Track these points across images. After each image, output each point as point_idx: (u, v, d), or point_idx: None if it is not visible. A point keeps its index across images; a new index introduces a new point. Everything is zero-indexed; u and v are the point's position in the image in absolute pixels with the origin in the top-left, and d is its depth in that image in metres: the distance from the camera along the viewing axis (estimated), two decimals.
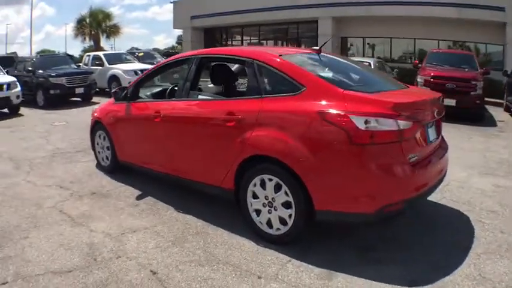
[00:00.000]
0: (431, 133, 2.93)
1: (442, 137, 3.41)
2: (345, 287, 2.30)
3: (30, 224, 3.23)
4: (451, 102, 7.69)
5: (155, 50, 32.21)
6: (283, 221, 2.75)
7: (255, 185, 2.86)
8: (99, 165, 4.83)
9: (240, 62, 3.25)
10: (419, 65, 9.84)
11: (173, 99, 3.75)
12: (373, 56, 15.80)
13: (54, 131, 7.50)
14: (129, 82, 10.30)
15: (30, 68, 11.68)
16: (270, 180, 2.76)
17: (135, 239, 2.98)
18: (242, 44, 20.90)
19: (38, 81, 11.38)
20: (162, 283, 2.36)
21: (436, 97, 3.13)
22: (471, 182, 4.27)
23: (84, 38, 20.97)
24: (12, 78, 10.04)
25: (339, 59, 3.64)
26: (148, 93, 4.49)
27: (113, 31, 21.64)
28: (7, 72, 10.96)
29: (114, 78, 12.61)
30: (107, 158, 4.64)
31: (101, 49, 21.18)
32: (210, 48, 4.47)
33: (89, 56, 14.77)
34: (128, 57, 14.71)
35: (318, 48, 3.32)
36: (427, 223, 3.24)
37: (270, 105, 2.81)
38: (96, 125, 4.73)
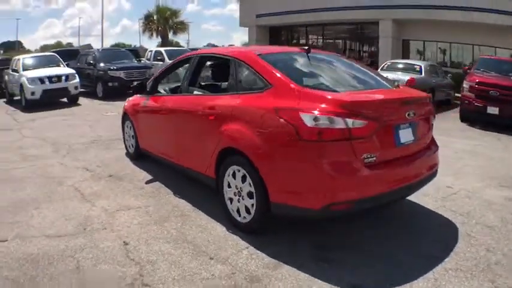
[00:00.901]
0: (405, 135, 2.90)
1: (433, 140, 3.36)
2: (284, 279, 2.45)
3: (45, 197, 3.91)
4: (494, 110, 7.68)
5: (230, 46, 33.85)
6: (248, 210, 3.00)
7: (229, 175, 3.15)
8: (127, 153, 5.48)
9: (226, 61, 3.54)
10: (469, 71, 9.65)
11: (176, 94, 4.20)
12: (424, 60, 15.93)
13: (103, 121, 8.51)
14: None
15: (91, 61, 13.21)
16: (239, 171, 3.02)
17: (126, 216, 3.46)
18: (306, 44, 21.28)
19: (98, 74, 12.84)
20: (127, 252, 2.78)
21: (415, 97, 3.10)
22: (482, 193, 4.03)
23: (152, 34, 22.58)
24: (71, 71, 11.52)
25: (326, 58, 3.70)
26: (166, 88, 5.00)
27: (179, 28, 22.95)
28: (68, 65, 12.55)
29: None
30: (132, 146, 5.28)
31: (169, 45, 22.69)
32: (208, 48, 4.83)
33: (151, 51, 16.25)
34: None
35: (307, 47, 3.45)
36: (406, 230, 3.18)
37: (242, 101, 3.09)
38: (125, 116, 5.38)
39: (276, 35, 22.07)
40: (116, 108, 9.93)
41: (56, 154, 5.70)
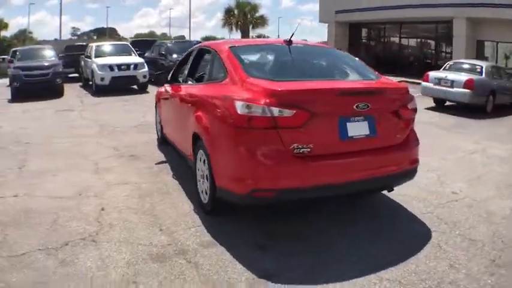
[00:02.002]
0: (356, 128, 2.90)
1: (411, 136, 3.27)
2: (207, 256, 2.72)
3: (66, 168, 4.79)
4: None
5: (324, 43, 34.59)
6: (207, 192, 3.36)
7: (199, 159, 3.55)
8: (158, 138, 6.23)
9: (209, 52, 3.92)
10: None
11: (181, 84, 4.73)
12: (497, 61, 15.95)
13: None
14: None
15: (163, 52, 14.66)
16: (202, 155, 3.41)
17: (119, 189, 4.09)
18: (383, 41, 21.63)
19: (169, 64, 14.19)
20: (98, 216, 3.37)
21: (369, 89, 3.07)
22: (489, 203, 3.73)
23: (231, 28, 23.98)
24: (140, 60, 12.96)
25: (306, 50, 3.82)
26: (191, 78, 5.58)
27: (259, 22, 24.01)
28: (142, 55, 14.10)
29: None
30: (159, 131, 6.01)
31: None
32: (206, 42, 5.24)
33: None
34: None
35: (288, 39, 3.61)
36: (370, 230, 3.15)
37: (207, 90, 3.48)
38: (156, 103, 6.14)
39: (355, 32, 22.40)
40: None
41: (99, 134, 6.73)
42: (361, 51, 22.65)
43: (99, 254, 2.75)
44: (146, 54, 15.49)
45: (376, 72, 3.53)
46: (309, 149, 2.75)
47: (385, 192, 3.84)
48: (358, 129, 2.92)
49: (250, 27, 24.25)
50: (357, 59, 3.87)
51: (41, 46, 16.99)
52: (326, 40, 23.02)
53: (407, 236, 3.10)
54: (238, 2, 23.82)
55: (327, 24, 23.12)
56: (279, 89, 2.80)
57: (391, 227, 3.24)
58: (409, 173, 3.23)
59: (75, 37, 69.41)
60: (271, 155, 2.72)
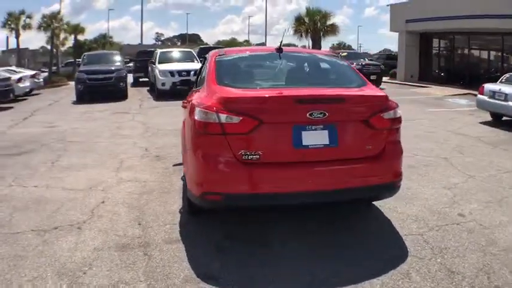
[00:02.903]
0: (312, 137, 2.90)
1: (388, 150, 3.13)
2: (163, 251, 3.00)
3: (93, 164, 5.51)
4: None
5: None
6: None
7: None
8: None
9: (206, 60, 4.24)
10: None
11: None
12: None
13: None
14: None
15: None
16: None
17: (127, 185, 4.61)
18: (454, 52, 21.32)
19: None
20: (94, 208, 3.86)
21: (329, 97, 3.02)
22: (494, 231, 3.41)
23: (301, 35, 24.50)
24: (197, 66, 13.82)
25: (295, 56, 3.91)
26: None
27: (329, 30, 24.24)
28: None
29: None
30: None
31: (317, 47, 24.24)
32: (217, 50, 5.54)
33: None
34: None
35: (278, 47, 3.75)
36: (338, 245, 3.13)
37: (191, 96, 3.79)
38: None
39: (425, 41, 21.90)
40: None
41: (139, 136, 7.49)
42: (431, 62, 21.95)
43: (76, 239, 3.21)
44: None
45: (365, 81, 3.48)
46: (258, 156, 2.85)
47: (381, 206, 3.82)
48: (315, 138, 2.91)
49: (322, 35, 24.48)
50: (346, 66, 3.83)
51: (109, 51, 19.13)
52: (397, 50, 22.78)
53: (377, 257, 2.94)
54: (309, 9, 24.22)
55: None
56: (229, 96, 2.97)
57: (364, 245, 3.14)
58: (385, 188, 3.15)
59: (159, 42, 75.84)
60: (219, 159, 2.89)
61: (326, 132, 2.94)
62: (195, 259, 2.90)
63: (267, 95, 3.07)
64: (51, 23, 23.33)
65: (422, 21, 19.82)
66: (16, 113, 10.99)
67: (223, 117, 2.84)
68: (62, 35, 25.57)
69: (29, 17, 23.52)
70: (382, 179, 3.11)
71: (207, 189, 2.94)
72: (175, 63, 13.95)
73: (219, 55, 3.80)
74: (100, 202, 4.06)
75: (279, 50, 3.73)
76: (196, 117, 2.99)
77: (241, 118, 2.83)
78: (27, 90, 14.61)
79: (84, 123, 8.91)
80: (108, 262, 2.86)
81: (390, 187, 3.19)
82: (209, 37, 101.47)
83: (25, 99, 14.31)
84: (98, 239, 3.23)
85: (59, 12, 24.73)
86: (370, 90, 3.34)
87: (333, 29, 24.41)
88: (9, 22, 22.77)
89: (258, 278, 2.68)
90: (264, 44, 48.15)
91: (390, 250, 3.08)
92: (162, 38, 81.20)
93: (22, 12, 23.06)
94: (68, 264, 2.82)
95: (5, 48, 30.98)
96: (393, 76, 22.53)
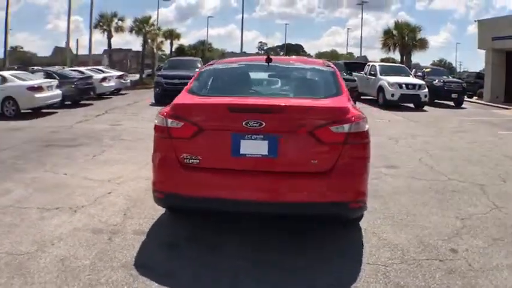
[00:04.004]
0: (250, 146, 3.04)
1: (343, 167, 3.08)
2: (124, 240, 3.47)
3: (127, 160, 6.35)
4: None
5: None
6: None
7: None
8: None
9: None
10: None
11: None
12: None
13: None
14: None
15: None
16: None
17: (142, 181, 5.21)
18: None
19: None
20: (101, 196, 4.56)
21: (268, 106, 3.11)
22: (490, 274, 3.14)
23: (389, 49, 24.37)
24: (422, 82, 15.14)
25: (273, 67, 3.95)
26: None
27: (417, 45, 23.86)
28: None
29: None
30: None
31: (402, 62, 23.75)
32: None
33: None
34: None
35: (267, 57, 3.96)
36: (281, 265, 3.16)
37: None
38: None
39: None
40: None
41: None
42: None
43: (65, 219, 3.89)
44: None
45: (338, 92, 3.52)
46: (197, 161, 3.13)
47: (366, 229, 3.77)
48: (253, 147, 3.04)
49: (410, 49, 23.87)
50: (330, 76, 3.85)
51: (191, 58, 21.10)
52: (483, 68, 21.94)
53: (312, 284, 2.91)
54: (397, 23, 23.89)
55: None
56: (177, 103, 3.35)
57: (313, 269, 3.09)
58: (335, 207, 3.13)
59: (262, 51, 79.44)
60: (166, 161, 3.25)
61: (266, 142, 3.05)
62: (144, 250, 3.32)
63: (204, 103, 3.37)
64: (142, 27, 26.06)
65: (510, 39, 18.92)
66: (93, 110, 12.82)
67: (169, 122, 3.21)
68: (159, 39, 28.45)
69: (121, 19, 26.51)
70: (331, 198, 3.09)
71: (155, 187, 3.34)
72: (397, 76, 15.49)
73: (209, 64, 4.23)
74: (107, 192, 4.74)
75: (268, 60, 3.92)
76: (155, 121, 3.39)
77: (182, 124, 3.15)
78: (112, 89, 16.83)
79: (146, 124, 9.99)
80: (76, 240, 3.44)
81: (341, 207, 3.15)
82: (312, 48, 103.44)
83: (110, 97, 16.53)
84: (82, 221, 3.86)
85: (150, 17, 27.50)
86: (328, 102, 3.32)
87: (421, 44, 23.85)
88: (101, 23, 25.81)
89: (186, 276, 2.95)
90: (365, 57, 47.65)
91: (334, 278, 2.99)
92: (265, 48, 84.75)
93: (114, 15, 26.04)
94: (45, 236, 3.49)
95: (106, 48, 34.91)
96: (481, 96, 21.48)
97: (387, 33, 24.47)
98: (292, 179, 3.09)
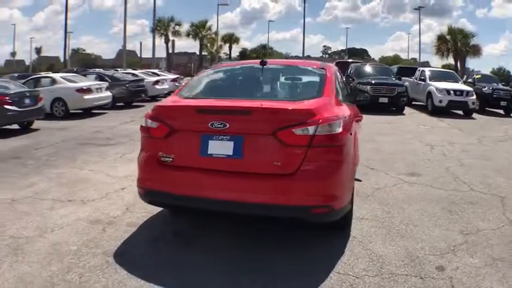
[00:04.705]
0: (217, 147, 3.22)
1: (300, 170, 3.12)
2: (117, 231, 3.88)
3: None
4: None
5: None
6: None
7: None
8: None
9: None
10: None
11: None
12: None
13: None
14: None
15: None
16: None
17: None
18: None
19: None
20: (113, 191, 5.02)
21: (231, 108, 3.28)
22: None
23: (442, 54, 23.94)
24: (470, 88, 14.78)
25: (265, 70, 4.06)
26: None
27: (469, 51, 23.28)
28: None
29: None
30: None
31: (457, 68, 23.11)
32: None
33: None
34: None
35: (261, 60, 4.16)
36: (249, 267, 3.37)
37: None
38: None
39: None
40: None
41: None
42: None
43: (72, 210, 4.37)
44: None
45: (319, 95, 3.55)
46: (171, 159, 3.38)
47: (355, 237, 3.76)
48: (220, 148, 3.22)
49: (463, 56, 23.09)
50: (317, 78, 3.93)
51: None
52: None
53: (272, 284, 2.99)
54: (450, 28, 23.26)
55: None
56: (157, 104, 3.67)
57: (273, 273, 3.16)
58: (297, 211, 3.16)
59: (326, 55, 79.31)
60: (145, 158, 3.58)
61: (232, 143, 3.20)
62: (130, 241, 3.66)
63: (176, 105, 3.65)
64: (199, 32, 27.20)
65: None
66: (142, 111, 13.51)
67: (149, 122, 3.54)
68: (218, 43, 29.57)
69: (178, 24, 27.76)
70: (293, 201, 3.13)
71: (138, 183, 3.66)
72: (445, 82, 15.37)
73: (211, 67, 4.52)
74: (120, 188, 5.19)
75: (263, 63, 4.08)
76: (142, 122, 3.71)
77: (158, 124, 3.46)
78: (165, 92, 17.80)
79: None
80: (74, 228, 3.88)
81: (302, 211, 3.16)
82: (377, 53, 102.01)
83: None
84: (87, 212, 4.31)
85: (206, 22, 28.60)
86: (299, 104, 3.33)
87: (474, 51, 23.12)
88: (158, 28, 27.14)
89: (158, 268, 3.19)
90: (427, 63, 46.37)
91: (294, 283, 3.02)
92: (329, 52, 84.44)
93: (171, 20, 27.31)
94: (48, 224, 3.97)
95: (170, 51, 36.42)
96: None
97: (441, 38, 23.96)
98: (256, 180, 3.19)
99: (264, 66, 4.07)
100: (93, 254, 3.37)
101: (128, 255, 3.38)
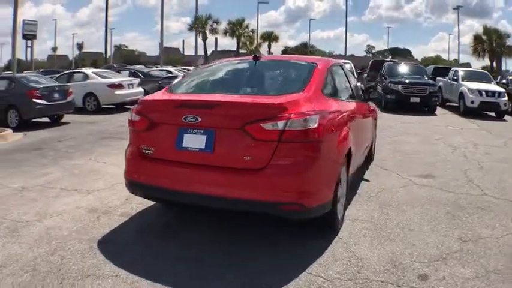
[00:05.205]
0: (191, 140, 3.31)
1: (270, 165, 3.13)
2: (109, 220, 4.09)
3: None
4: None
5: None
6: None
7: None
8: None
9: None
10: None
11: None
12: None
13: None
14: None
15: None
16: None
17: None
18: None
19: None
20: (118, 182, 5.31)
21: (203, 102, 3.40)
22: None
23: (478, 54, 23.58)
24: (502, 89, 14.40)
25: (258, 65, 4.14)
26: None
27: (504, 52, 22.73)
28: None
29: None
30: None
31: (492, 68, 22.64)
32: None
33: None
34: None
35: (254, 55, 4.24)
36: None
37: None
38: None
39: None
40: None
41: None
42: None
43: (75, 199, 4.68)
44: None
45: (299, 89, 3.55)
46: (151, 152, 3.55)
47: (342, 238, 3.69)
48: (193, 141, 3.31)
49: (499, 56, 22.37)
50: (306, 73, 3.92)
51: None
52: None
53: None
54: (485, 27, 22.69)
55: None
56: (141, 99, 3.89)
57: (244, 269, 3.17)
58: (266, 207, 3.18)
59: (370, 55, 78.12)
60: (130, 150, 3.77)
61: (204, 137, 3.29)
62: (118, 230, 3.88)
63: (156, 99, 3.85)
64: (236, 30, 27.57)
65: None
66: None
67: (133, 115, 3.72)
68: (257, 41, 29.84)
69: (216, 22, 28.21)
70: (262, 197, 3.15)
71: (124, 175, 3.83)
72: (478, 83, 15.10)
73: (201, 64, 4.65)
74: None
75: (256, 58, 4.17)
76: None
77: (139, 117, 3.63)
78: None
79: None
80: (71, 215, 4.16)
81: (272, 207, 3.17)
82: (420, 53, 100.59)
83: None
84: (89, 201, 4.60)
85: (243, 20, 28.89)
86: (274, 99, 3.34)
87: (510, 51, 22.64)
88: (196, 25, 27.69)
89: (136, 257, 3.31)
90: (468, 64, 45.66)
91: (260, 280, 3.01)
92: (373, 51, 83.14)
93: (209, 18, 27.78)
94: (48, 210, 4.28)
95: (213, 49, 36.85)
96: None
97: (477, 38, 23.53)
98: (226, 174, 3.25)
99: (257, 61, 4.15)
100: (80, 240, 3.60)
101: (112, 243, 3.59)
